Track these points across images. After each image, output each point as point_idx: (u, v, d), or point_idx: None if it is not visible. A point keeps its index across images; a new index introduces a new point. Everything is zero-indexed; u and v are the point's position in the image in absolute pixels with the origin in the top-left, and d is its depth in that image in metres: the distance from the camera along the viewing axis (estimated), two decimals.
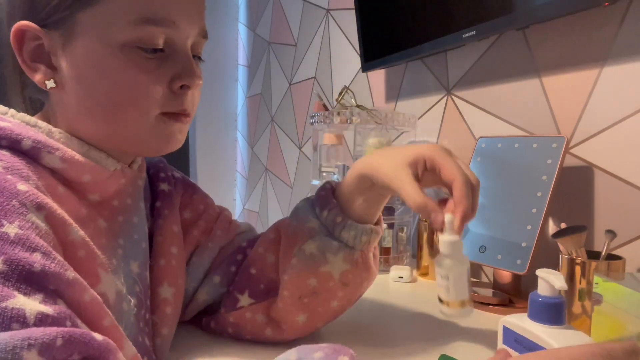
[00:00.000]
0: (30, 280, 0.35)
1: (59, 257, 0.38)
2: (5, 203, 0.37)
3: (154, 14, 0.46)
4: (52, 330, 0.33)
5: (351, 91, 1.14)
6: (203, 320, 0.66)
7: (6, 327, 0.31)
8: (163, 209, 0.61)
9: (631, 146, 0.76)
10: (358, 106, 1.09)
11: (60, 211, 0.41)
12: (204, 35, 0.54)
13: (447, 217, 0.50)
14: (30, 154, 0.44)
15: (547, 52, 0.89)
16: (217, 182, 2.58)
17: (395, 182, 0.53)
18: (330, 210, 0.58)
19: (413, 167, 0.53)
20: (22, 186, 0.39)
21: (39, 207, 0.39)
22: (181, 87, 0.49)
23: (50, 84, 0.47)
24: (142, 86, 0.47)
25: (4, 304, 0.32)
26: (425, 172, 0.54)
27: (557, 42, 0.87)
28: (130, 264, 0.53)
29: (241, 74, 2.58)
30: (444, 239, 0.50)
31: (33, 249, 0.36)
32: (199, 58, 0.55)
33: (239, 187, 2.61)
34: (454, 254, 0.50)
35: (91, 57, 0.46)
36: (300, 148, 1.90)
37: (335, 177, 1.16)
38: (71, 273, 0.38)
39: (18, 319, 0.32)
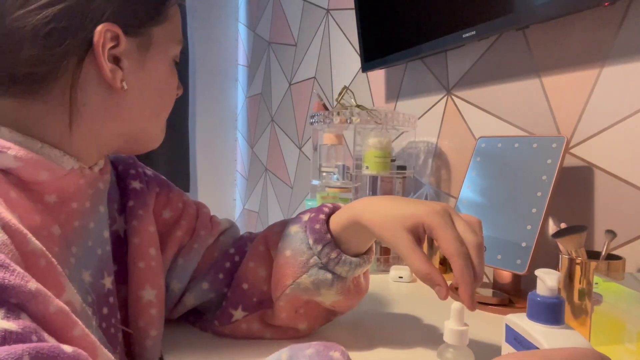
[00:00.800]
0: None
1: (19, 269, 0.35)
2: None
3: (181, 35, 0.58)
4: (17, 348, 0.31)
5: (351, 91, 1.14)
6: (192, 320, 0.67)
7: None
8: (136, 209, 0.61)
9: (631, 146, 0.76)
10: (358, 106, 1.09)
11: (14, 221, 0.39)
12: None
13: (455, 305, 0.46)
14: None
15: (547, 52, 0.90)
16: (217, 182, 2.58)
17: (398, 248, 0.53)
18: (325, 246, 0.58)
19: (413, 233, 0.53)
20: None
21: None
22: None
23: (126, 85, 0.51)
24: (174, 93, 0.59)
25: None
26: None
27: (557, 42, 0.87)
28: (82, 273, 0.50)
29: (241, 74, 2.58)
30: (450, 327, 0.46)
31: None
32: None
33: (239, 187, 2.61)
34: (460, 344, 0.46)
35: (161, 67, 0.55)
36: (300, 148, 1.90)
37: (334, 177, 1.16)
38: (33, 284, 0.35)
39: None
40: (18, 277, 0.35)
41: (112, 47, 0.49)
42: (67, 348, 0.34)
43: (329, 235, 0.59)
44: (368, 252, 0.62)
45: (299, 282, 0.58)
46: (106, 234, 0.56)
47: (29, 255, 0.39)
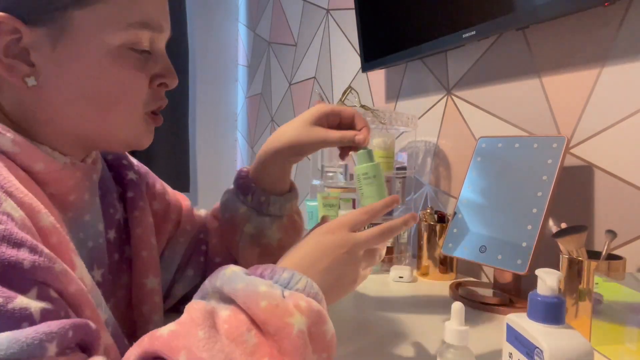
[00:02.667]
0: (23, 278, 0.36)
1: (46, 250, 0.38)
2: None
3: (149, 18, 0.48)
4: (65, 323, 0.36)
5: (355, 91, 1.14)
6: (182, 309, 0.67)
7: (18, 326, 0.34)
8: (137, 200, 0.62)
9: (631, 146, 0.76)
10: (362, 106, 1.09)
11: (27, 198, 0.40)
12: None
13: (455, 305, 0.46)
14: None
15: (547, 52, 0.90)
16: (217, 182, 2.58)
17: (312, 137, 0.61)
18: (253, 194, 0.67)
19: (318, 123, 0.62)
20: None
21: (9, 194, 0.39)
22: (159, 85, 0.52)
23: (31, 81, 0.45)
24: (135, 84, 0.49)
25: (10, 306, 0.34)
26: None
27: (557, 42, 0.88)
28: None
29: (241, 74, 2.58)
30: (451, 327, 0.45)
31: (19, 244, 0.36)
32: None
33: None
34: (460, 345, 0.45)
35: (88, 57, 0.46)
36: None
37: (341, 177, 1.16)
38: (59, 265, 0.38)
39: (27, 318, 0.34)
40: (46, 258, 0.37)
41: (17, 40, 0.44)
42: (92, 324, 0.39)
43: (253, 185, 0.67)
44: (291, 189, 0.70)
45: (244, 230, 0.67)
46: (101, 226, 0.55)
47: (41, 231, 0.41)
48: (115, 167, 0.63)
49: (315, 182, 1.20)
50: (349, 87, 1.16)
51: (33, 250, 0.37)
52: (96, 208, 0.55)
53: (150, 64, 0.51)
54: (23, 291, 0.35)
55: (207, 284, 0.45)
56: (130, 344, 0.41)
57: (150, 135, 0.54)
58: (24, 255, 0.36)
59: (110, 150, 0.56)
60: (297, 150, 0.63)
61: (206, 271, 0.70)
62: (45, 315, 0.35)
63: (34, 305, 0.35)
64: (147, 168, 0.70)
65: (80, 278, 0.43)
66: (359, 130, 0.61)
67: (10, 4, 0.44)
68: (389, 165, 1.05)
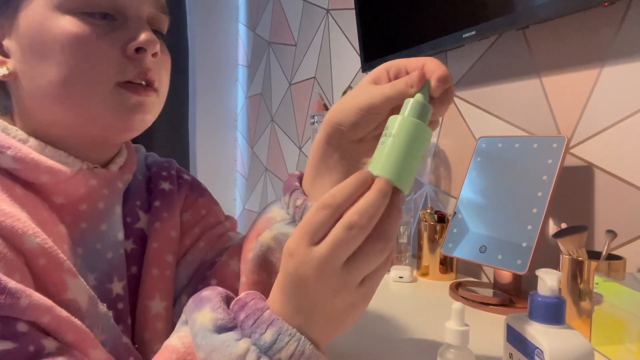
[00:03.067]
0: None
1: (10, 284, 0.36)
2: None
3: None
4: None
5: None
6: None
7: None
8: (162, 211, 0.56)
9: (631, 146, 0.76)
10: None
11: (9, 221, 0.38)
12: (162, 9, 0.50)
13: (456, 305, 0.45)
14: None
15: (547, 52, 0.90)
16: (217, 182, 2.58)
17: (363, 101, 0.44)
18: (291, 195, 0.49)
19: (377, 81, 0.46)
20: None
21: None
22: (137, 51, 0.46)
23: (2, 71, 0.45)
24: (93, 51, 0.44)
25: None
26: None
27: (557, 42, 0.87)
28: (87, 277, 0.48)
29: (241, 74, 2.58)
30: (451, 328, 0.45)
31: None
32: (161, 35, 0.52)
33: (239, 187, 2.61)
34: (461, 345, 0.45)
35: (37, 29, 0.44)
36: (300, 148, 1.90)
37: None
38: (25, 300, 0.36)
39: None
40: (9, 295, 0.35)
41: None
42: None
43: (296, 183, 0.50)
44: None
45: (260, 239, 0.49)
46: (120, 236, 0.52)
47: (25, 254, 0.39)
48: (154, 177, 0.59)
49: None
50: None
51: None
52: (115, 217, 0.52)
53: (119, 30, 0.46)
54: None
55: (184, 317, 0.40)
56: None
57: (130, 113, 0.47)
58: None
59: (109, 141, 0.50)
60: (356, 122, 0.45)
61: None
62: (4, 358, 0.34)
63: None
64: (200, 184, 0.64)
65: (73, 299, 0.42)
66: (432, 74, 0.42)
67: None
68: None
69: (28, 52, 0.45)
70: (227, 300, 0.40)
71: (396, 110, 0.42)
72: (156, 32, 0.50)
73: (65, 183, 0.46)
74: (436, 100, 0.42)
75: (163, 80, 0.51)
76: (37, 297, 0.37)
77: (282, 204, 0.50)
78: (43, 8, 0.44)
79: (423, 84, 0.42)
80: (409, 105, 0.40)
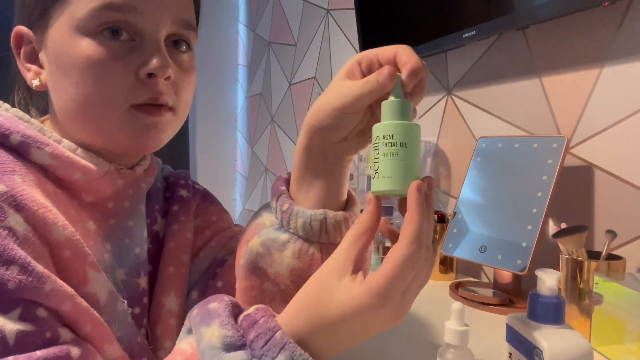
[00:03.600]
0: (5, 297, 0.36)
1: (38, 268, 0.38)
2: None
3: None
4: (33, 357, 0.34)
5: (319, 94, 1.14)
6: None
7: None
8: (180, 214, 0.60)
9: (631, 146, 0.76)
10: None
11: (42, 211, 0.40)
12: (185, 25, 0.51)
13: (455, 305, 0.45)
14: (19, 149, 0.44)
15: (547, 52, 0.89)
16: (217, 182, 2.58)
17: (337, 101, 0.43)
18: (278, 199, 0.47)
19: (350, 76, 0.45)
20: (1, 186, 0.39)
21: (18, 208, 0.39)
22: (149, 75, 0.47)
23: (35, 82, 0.48)
24: (109, 73, 0.45)
25: None
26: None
27: (557, 42, 0.87)
28: (116, 271, 0.51)
29: (241, 74, 2.58)
30: (451, 328, 0.45)
31: (10, 261, 0.36)
32: (189, 48, 0.53)
33: (239, 187, 2.61)
34: (461, 345, 0.44)
35: (60, 47, 0.46)
36: None
37: None
38: (49, 285, 0.38)
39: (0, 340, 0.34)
40: (35, 278, 0.37)
41: (32, 49, 0.49)
42: (75, 352, 0.37)
43: (282, 187, 0.48)
44: (348, 205, 0.48)
45: (250, 247, 0.46)
46: (144, 232, 0.55)
47: (52, 244, 0.41)
48: (172, 186, 0.63)
49: None
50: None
51: (23, 269, 0.37)
52: (140, 215, 0.55)
53: (136, 52, 0.46)
54: (3, 311, 0.35)
55: (188, 324, 0.41)
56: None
57: (144, 133, 0.48)
58: (10, 275, 0.36)
59: (124, 153, 0.52)
60: (334, 124, 0.43)
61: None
62: (22, 339, 0.35)
63: (9, 327, 0.35)
64: (211, 195, 0.68)
65: (93, 293, 0.44)
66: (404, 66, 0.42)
67: (21, 16, 0.49)
68: None
69: (54, 68, 0.47)
70: (234, 312, 0.39)
71: (374, 105, 0.42)
72: (181, 47, 0.51)
73: (95, 182, 0.49)
74: (409, 93, 0.41)
75: (182, 98, 0.51)
76: (61, 284, 0.39)
77: (271, 209, 0.49)
78: (66, 27, 0.46)
79: (395, 80, 0.41)
80: (405, 107, 0.40)
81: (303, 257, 0.45)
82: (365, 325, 0.36)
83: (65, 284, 0.39)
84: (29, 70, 0.49)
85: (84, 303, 0.40)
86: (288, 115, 2.01)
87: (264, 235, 0.46)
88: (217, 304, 0.39)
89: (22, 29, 0.49)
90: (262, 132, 2.27)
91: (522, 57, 0.94)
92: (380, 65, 0.44)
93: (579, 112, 0.84)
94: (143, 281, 0.54)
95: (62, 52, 0.46)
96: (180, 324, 0.55)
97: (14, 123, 0.45)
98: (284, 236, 0.45)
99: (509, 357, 0.48)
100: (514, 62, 0.96)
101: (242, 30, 2.55)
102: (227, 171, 2.61)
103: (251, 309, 0.39)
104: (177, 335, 0.46)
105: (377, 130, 0.40)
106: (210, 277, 0.59)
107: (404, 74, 0.41)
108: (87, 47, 0.45)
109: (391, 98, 0.41)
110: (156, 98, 0.48)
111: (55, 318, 0.39)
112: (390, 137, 0.38)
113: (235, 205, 2.64)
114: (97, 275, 0.44)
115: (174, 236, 0.58)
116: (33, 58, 0.49)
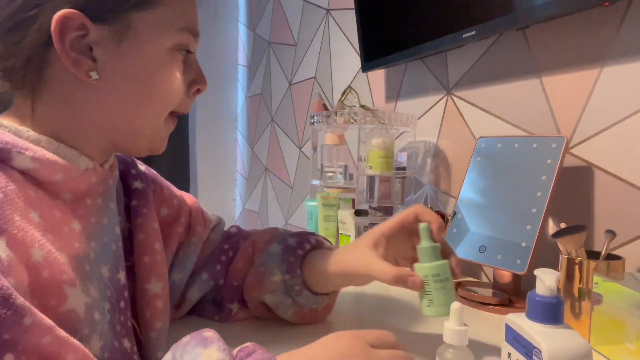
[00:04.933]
0: None
1: (18, 300, 0.36)
2: None
3: (193, 24, 0.53)
4: None
5: (355, 91, 1.14)
6: (200, 310, 0.71)
7: None
8: (141, 207, 0.62)
9: (631, 146, 0.76)
10: (362, 106, 1.09)
11: (21, 234, 0.39)
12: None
13: (455, 305, 0.46)
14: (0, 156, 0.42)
15: (547, 52, 0.90)
16: (217, 182, 2.58)
17: (366, 269, 0.59)
18: (292, 277, 0.64)
19: (376, 247, 0.60)
20: None
21: (2, 231, 0.38)
22: (195, 92, 0.55)
23: (94, 75, 0.48)
24: (175, 85, 0.52)
25: None
26: (388, 245, 0.61)
27: (557, 42, 0.87)
28: (101, 268, 0.51)
29: (241, 74, 2.58)
30: (450, 327, 0.45)
31: None
32: None
33: (239, 187, 2.61)
34: (459, 345, 0.45)
35: (146, 55, 0.50)
36: (300, 148, 1.90)
37: (339, 178, 1.16)
38: (29, 318, 0.37)
39: None
40: (16, 312, 0.36)
41: (82, 37, 0.47)
42: None
43: (298, 271, 0.65)
44: (332, 294, 0.68)
45: (263, 297, 0.66)
46: (117, 229, 0.56)
47: (31, 267, 0.40)
48: (123, 177, 0.63)
49: (315, 182, 1.20)
50: (349, 87, 1.16)
51: (4, 301, 0.35)
52: (112, 212, 0.56)
53: (187, 67, 0.54)
54: None
55: (170, 355, 0.43)
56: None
57: (166, 140, 0.56)
58: None
59: (130, 153, 0.56)
60: (348, 281, 0.64)
61: (220, 280, 0.70)
62: None
63: None
64: (155, 173, 0.70)
65: (72, 309, 0.43)
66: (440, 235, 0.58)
67: (80, 2, 0.46)
68: (389, 166, 1.05)
69: (119, 68, 0.49)
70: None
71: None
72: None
73: (73, 180, 0.48)
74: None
75: None
76: (40, 317, 0.38)
77: (281, 270, 0.65)
78: (148, 36, 0.49)
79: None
80: (437, 250, 0.55)
81: (297, 316, 0.67)
82: (335, 353, 0.44)
83: (44, 317, 0.38)
84: (77, 60, 0.47)
85: (63, 333, 0.39)
86: (288, 115, 2.01)
87: (276, 297, 0.65)
88: (212, 333, 0.43)
89: (76, 13, 0.46)
90: (262, 132, 2.27)
91: (522, 57, 0.94)
92: (404, 235, 0.62)
93: (579, 112, 0.84)
94: (122, 276, 0.55)
95: (138, 57, 0.49)
96: (165, 304, 0.60)
97: None
98: (289, 301, 0.65)
99: (508, 357, 0.48)
100: (514, 62, 0.96)
101: (242, 30, 2.55)
102: (227, 171, 2.61)
103: (247, 343, 0.44)
104: (165, 316, 0.59)
105: (425, 269, 0.54)
106: (217, 262, 0.70)
107: (434, 230, 0.57)
108: (165, 58, 0.51)
109: (426, 243, 0.55)
110: (185, 111, 0.56)
111: (35, 355, 0.37)
112: (438, 275, 0.53)
113: (235, 205, 2.64)
114: (73, 290, 0.43)
115: (141, 229, 0.61)
116: (83, 49, 0.47)
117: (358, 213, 1.06)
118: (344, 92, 1.15)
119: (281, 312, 0.66)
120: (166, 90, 0.52)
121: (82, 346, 0.41)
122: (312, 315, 0.67)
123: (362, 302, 0.81)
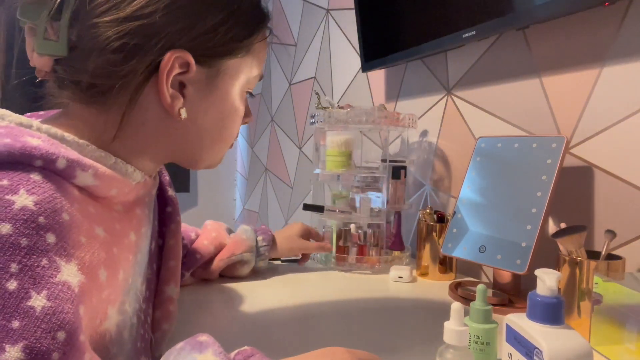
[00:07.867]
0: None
1: (81, 338, 0.35)
2: (35, 265, 0.34)
3: (262, 70, 0.59)
4: None
5: (317, 94, 1.15)
6: None
7: None
8: (175, 215, 0.65)
9: (631, 146, 0.76)
10: (322, 107, 1.09)
11: (88, 256, 0.39)
12: None
13: (455, 305, 0.46)
14: (64, 174, 0.41)
15: (547, 52, 0.89)
16: (217, 182, 2.58)
17: (304, 245, 0.98)
18: (267, 245, 0.94)
19: (299, 237, 0.99)
20: (50, 237, 0.36)
21: (70, 257, 0.37)
22: (242, 123, 0.60)
23: (184, 113, 0.50)
24: (239, 120, 0.58)
25: None
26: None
27: (557, 42, 0.87)
28: (137, 281, 0.52)
29: None
30: (450, 328, 0.46)
31: (58, 326, 0.34)
32: None
33: (239, 187, 2.61)
34: (460, 345, 0.45)
35: (227, 96, 0.54)
36: (300, 148, 1.90)
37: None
38: (88, 355, 0.36)
39: None
40: (76, 349, 0.35)
41: (180, 73, 0.48)
42: None
43: (272, 240, 0.94)
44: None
45: (243, 255, 0.89)
46: (151, 239, 0.58)
47: (96, 289, 0.41)
48: (161, 184, 0.65)
49: (317, 171, 1.19)
50: (316, 92, 1.17)
51: (70, 336, 0.34)
52: (151, 221, 0.58)
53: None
54: None
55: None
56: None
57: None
58: (56, 345, 0.33)
59: (186, 167, 0.59)
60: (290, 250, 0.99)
61: (183, 263, 0.81)
62: None
63: None
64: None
65: (107, 329, 0.43)
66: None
67: (192, 44, 0.48)
68: (345, 164, 1.06)
69: (202, 107, 0.52)
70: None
71: None
72: None
73: (125, 195, 0.49)
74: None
75: None
76: (95, 358, 0.38)
77: (256, 239, 0.94)
78: (230, 80, 0.53)
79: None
80: (489, 314, 0.55)
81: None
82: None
83: (94, 354, 0.38)
84: (172, 96, 0.48)
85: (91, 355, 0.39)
86: (288, 115, 2.01)
87: (249, 256, 0.92)
88: (207, 337, 0.44)
89: (187, 54, 0.48)
90: (262, 132, 2.27)
91: (522, 57, 0.94)
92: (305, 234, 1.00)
93: (579, 112, 0.84)
94: (143, 288, 0.56)
95: (221, 100, 0.53)
96: (175, 310, 0.62)
97: (55, 145, 0.41)
98: (253, 262, 0.92)
99: (509, 357, 0.48)
100: (514, 62, 0.96)
101: None
102: (227, 171, 2.61)
103: (245, 347, 0.45)
104: (173, 319, 0.62)
105: (471, 329, 0.54)
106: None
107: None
108: (239, 102, 0.56)
109: (479, 304, 0.55)
110: None
111: None
112: (479, 337, 0.54)
113: (235, 205, 2.64)
114: (112, 309, 0.44)
115: (172, 234, 0.64)
116: (177, 86, 0.49)
117: (306, 207, 1.10)
118: (318, 98, 1.14)
119: (243, 268, 0.90)
120: (234, 129, 0.57)
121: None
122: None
123: (362, 303, 0.81)
